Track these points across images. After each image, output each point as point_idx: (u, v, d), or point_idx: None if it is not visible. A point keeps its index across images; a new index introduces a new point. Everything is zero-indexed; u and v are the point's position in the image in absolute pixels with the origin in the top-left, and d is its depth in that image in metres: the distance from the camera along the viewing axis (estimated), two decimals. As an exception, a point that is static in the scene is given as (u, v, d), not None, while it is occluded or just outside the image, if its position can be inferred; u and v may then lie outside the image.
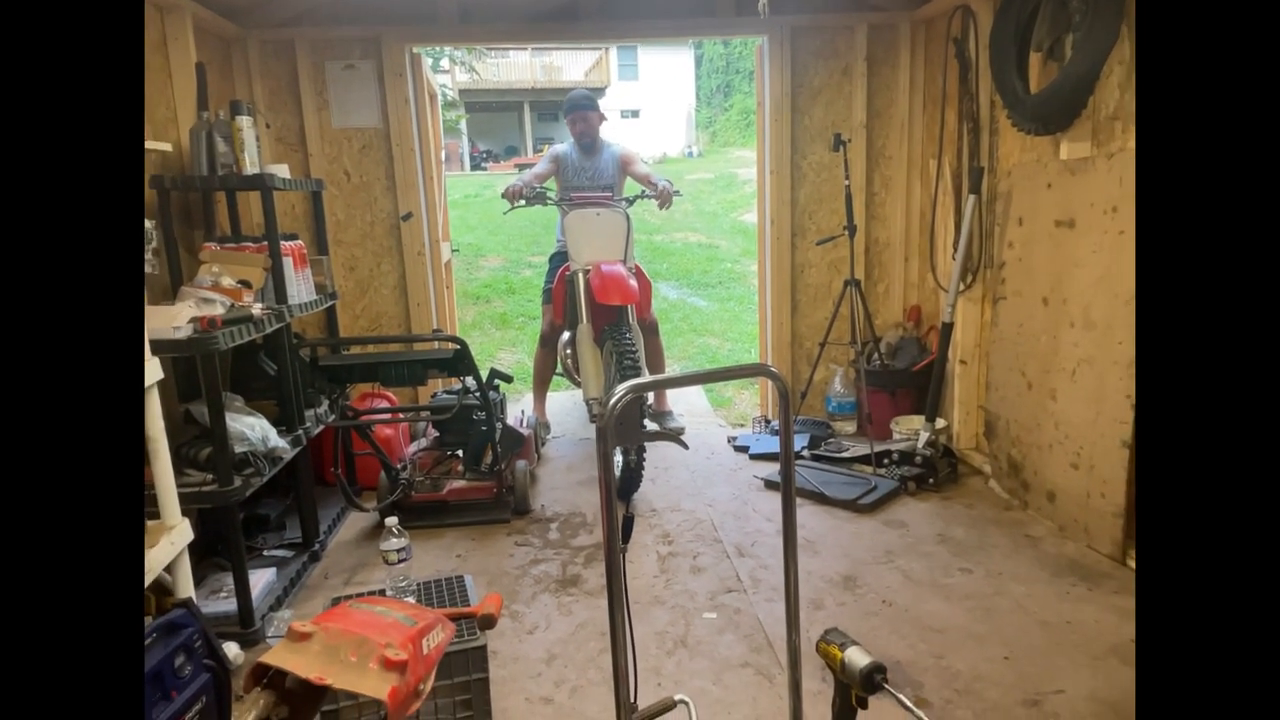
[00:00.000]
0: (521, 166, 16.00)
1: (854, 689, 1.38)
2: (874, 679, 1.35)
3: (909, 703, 1.37)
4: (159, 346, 2.01)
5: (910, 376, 3.83)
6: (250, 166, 2.71)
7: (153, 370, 1.89)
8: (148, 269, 2.58)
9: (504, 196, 3.68)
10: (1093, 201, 2.66)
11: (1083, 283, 2.71)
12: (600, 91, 22.13)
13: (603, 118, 4.03)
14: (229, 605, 2.35)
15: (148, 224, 2.54)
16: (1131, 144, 2.55)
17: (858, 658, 1.36)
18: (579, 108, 3.97)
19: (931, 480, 3.29)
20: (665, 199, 3.69)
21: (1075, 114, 2.78)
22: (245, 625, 2.31)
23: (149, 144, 2.57)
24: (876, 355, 3.94)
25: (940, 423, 3.56)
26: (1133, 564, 2.53)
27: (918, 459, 3.33)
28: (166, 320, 2.18)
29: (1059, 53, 2.85)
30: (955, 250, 3.46)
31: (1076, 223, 2.75)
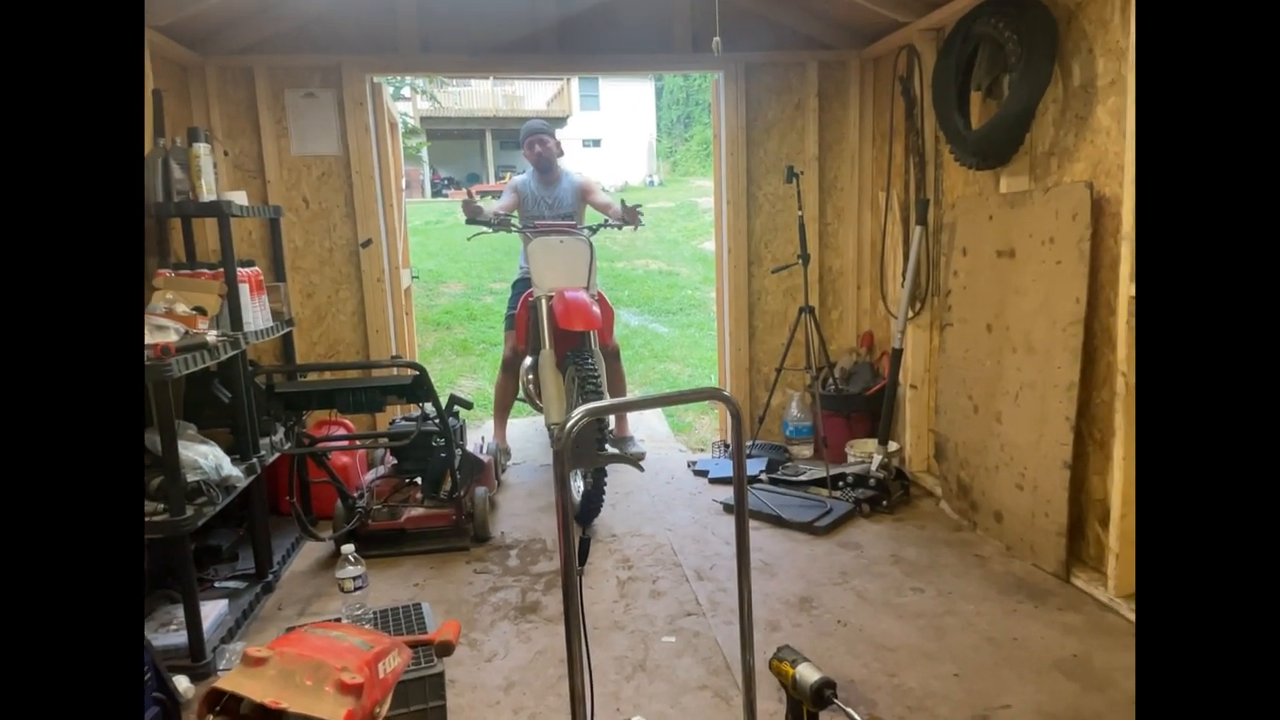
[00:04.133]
0: (484, 194, 15.98)
1: (805, 704, 1.41)
2: (824, 694, 1.38)
3: (859, 718, 1.41)
4: (111, 374, 1.98)
5: (864, 401, 3.92)
6: (207, 193, 2.70)
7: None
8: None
9: (464, 209, 3.51)
10: (1031, 232, 2.79)
11: (1023, 310, 2.83)
12: (562, 121, 22.36)
13: (559, 148, 4.09)
14: (179, 638, 2.30)
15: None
16: (1066, 178, 2.69)
17: (808, 674, 1.40)
18: (534, 132, 4.04)
19: (885, 502, 3.36)
20: (632, 217, 3.61)
21: (1013, 150, 2.92)
22: (196, 658, 2.26)
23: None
24: (831, 380, 4.03)
25: (893, 446, 3.65)
26: (1076, 581, 2.62)
27: (871, 482, 3.41)
28: (118, 347, 2.15)
29: (997, 92, 3.00)
30: (904, 279, 3.57)
31: (1017, 253, 2.88)
